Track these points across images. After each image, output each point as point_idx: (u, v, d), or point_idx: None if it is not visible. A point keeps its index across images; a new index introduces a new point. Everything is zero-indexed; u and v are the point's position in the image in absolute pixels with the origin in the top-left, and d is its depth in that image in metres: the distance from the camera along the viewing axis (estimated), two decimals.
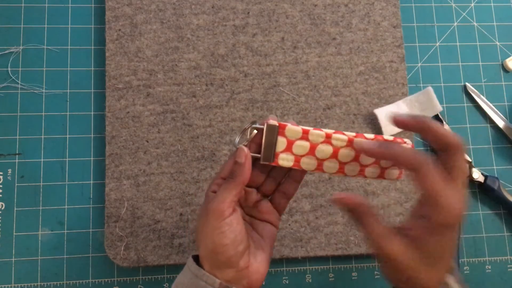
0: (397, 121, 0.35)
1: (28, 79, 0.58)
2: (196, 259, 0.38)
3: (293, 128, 0.37)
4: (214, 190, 0.38)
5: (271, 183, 0.40)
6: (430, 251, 0.33)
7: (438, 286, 0.34)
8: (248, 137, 0.37)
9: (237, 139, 0.39)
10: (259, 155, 0.38)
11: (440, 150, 0.34)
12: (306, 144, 0.37)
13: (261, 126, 0.37)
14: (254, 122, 0.38)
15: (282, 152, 0.38)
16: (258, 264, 0.37)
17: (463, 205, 0.33)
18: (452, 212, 0.32)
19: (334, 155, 0.37)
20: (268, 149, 0.37)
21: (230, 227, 0.36)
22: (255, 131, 0.37)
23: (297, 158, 0.38)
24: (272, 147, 0.37)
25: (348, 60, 0.60)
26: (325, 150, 0.37)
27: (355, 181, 0.57)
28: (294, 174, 0.40)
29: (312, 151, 0.38)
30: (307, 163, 0.38)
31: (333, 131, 0.37)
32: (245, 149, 0.37)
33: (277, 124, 0.37)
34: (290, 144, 0.37)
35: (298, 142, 0.37)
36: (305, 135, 0.37)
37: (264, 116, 0.57)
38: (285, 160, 0.38)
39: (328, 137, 0.37)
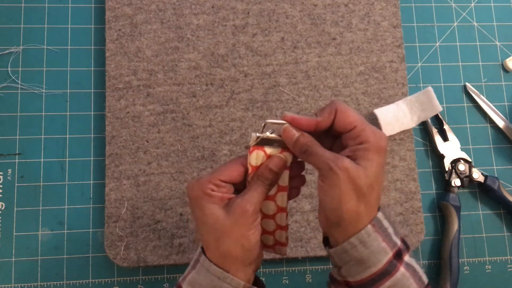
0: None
1: (28, 79, 0.58)
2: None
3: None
4: (216, 186, 0.38)
5: None
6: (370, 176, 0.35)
7: (370, 217, 0.35)
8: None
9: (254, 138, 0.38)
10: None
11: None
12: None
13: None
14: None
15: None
16: (259, 249, 0.39)
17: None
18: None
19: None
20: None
21: (259, 225, 0.37)
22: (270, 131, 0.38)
23: None
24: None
25: (348, 60, 0.60)
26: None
27: None
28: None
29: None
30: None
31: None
32: (288, 160, 0.38)
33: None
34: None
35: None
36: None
37: (264, 116, 0.57)
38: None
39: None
